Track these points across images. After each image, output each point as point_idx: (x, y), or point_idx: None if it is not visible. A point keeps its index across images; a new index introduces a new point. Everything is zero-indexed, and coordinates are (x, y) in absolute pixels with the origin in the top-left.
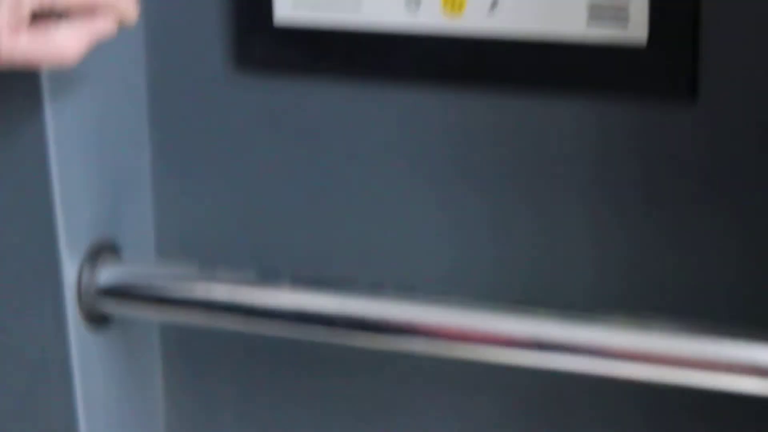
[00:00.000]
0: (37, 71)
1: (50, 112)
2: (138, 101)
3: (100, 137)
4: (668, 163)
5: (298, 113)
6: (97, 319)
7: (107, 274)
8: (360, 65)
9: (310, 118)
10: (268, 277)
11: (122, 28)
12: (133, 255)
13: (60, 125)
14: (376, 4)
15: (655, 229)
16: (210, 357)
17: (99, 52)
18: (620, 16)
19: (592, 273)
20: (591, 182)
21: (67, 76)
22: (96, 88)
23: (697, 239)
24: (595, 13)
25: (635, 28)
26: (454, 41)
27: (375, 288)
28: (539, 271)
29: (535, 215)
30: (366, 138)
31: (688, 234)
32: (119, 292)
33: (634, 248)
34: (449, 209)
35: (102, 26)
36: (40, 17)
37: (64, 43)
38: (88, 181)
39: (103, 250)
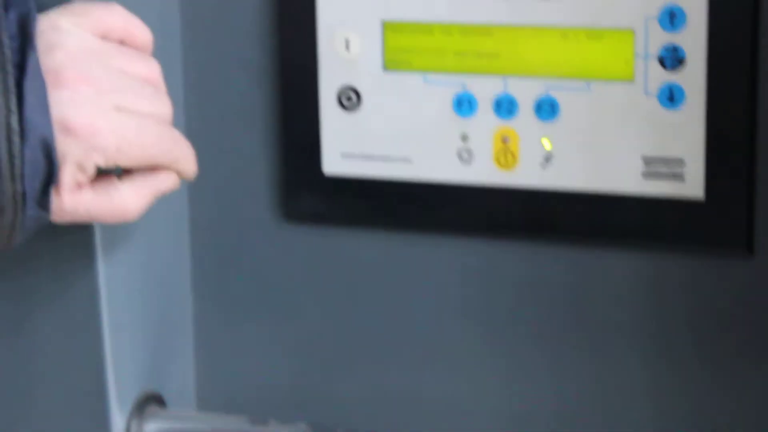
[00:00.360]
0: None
1: (102, 264)
2: (182, 251)
3: (146, 288)
4: (724, 317)
5: (347, 264)
6: None
7: (155, 426)
8: (410, 216)
9: (359, 269)
10: (321, 430)
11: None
12: (177, 405)
13: (111, 277)
14: (428, 157)
15: (711, 383)
16: None
17: None
18: (676, 172)
19: (649, 426)
20: (646, 335)
21: (117, 228)
22: (142, 240)
23: (753, 396)
24: (651, 170)
25: (691, 183)
26: (507, 193)
27: None
28: (594, 424)
29: (591, 367)
30: (415, 289)
31: (744, 390)
32: None
33: (689, 403)
34: (502, 361)
35: (164, 182)
36: (102, 171)
37: (127, 200)
38: (135, 332)
39: (149, 401)
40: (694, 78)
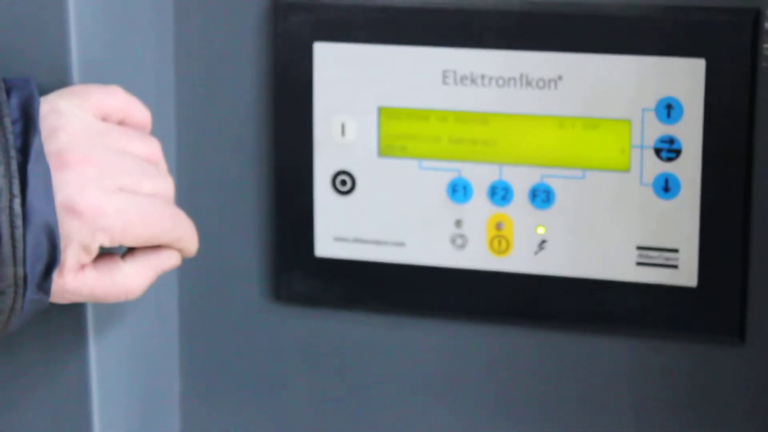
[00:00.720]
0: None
1: (93, 345)
2: (171, 331)
3: (134, 368)
4: (716, 405)
5: (338, 346)
6: None
7: None
8: (403, 299)
9: (350, 352)
10: None
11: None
12: None
13: (101, 358)
14: (421, 242)
15: None
16: None
17: None
18: (670, 261)
19: None
20: (638, 420)
21: (108, 307)
22: (132, 319)
23: None
24: (645, 258)
25: (685, 272)
26: (500, 277)
27: None
28: None
29: None
30: (407, 373)
31: None
32: None
33: None
34: None
35: (166, 261)
36: (105, 250)
37: (130, 280)
38: (123, 411)
39: None
40: (689, 168)
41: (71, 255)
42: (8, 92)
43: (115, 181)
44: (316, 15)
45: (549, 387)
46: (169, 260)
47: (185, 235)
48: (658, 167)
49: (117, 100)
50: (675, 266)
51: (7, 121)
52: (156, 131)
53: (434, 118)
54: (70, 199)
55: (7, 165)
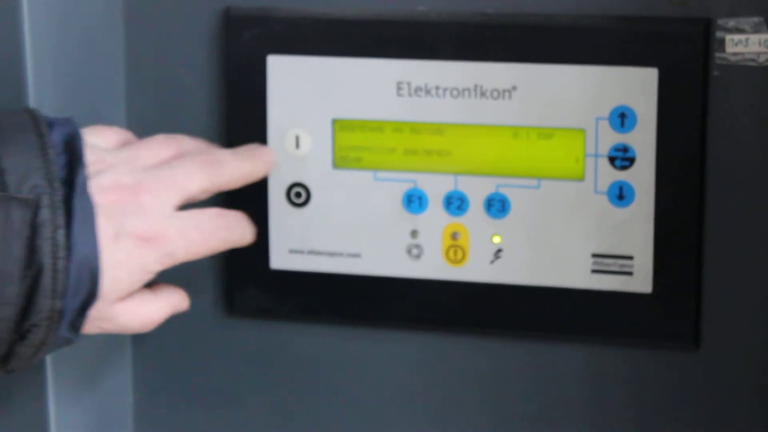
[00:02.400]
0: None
1: (48, 358)
2: (123, 345)
3: (87, 383)
4: (671, 410)
5: (293, 359)
6: None
7: None
8: (359, 310)
9: (306, 364)
10: None
11: None
12: None
13: (56, 372)
14: (377, 253)
15: None
16: None
17: None
18: (625, 268)
19: None
20: (593, 426)
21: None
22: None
23: None
24: (600, 266)
25: (640, 279)
26: (456, 287)
27: None
28: None
29: None
30: (363, 384)
31: None
32: None
33: None
34: None
35: (181, 302)
36: None
37: (153, 314)
38: (76, 426)
39: None
40: (643, 176)
41: (131, 282)
42: (50, 128)
43: (170, 202)
44: (269, 28)
45: (506, 395)
46: (183, 303)
47: (243, 235)
48: (612, 175)
49: (116, 129)
50: (630, 273)
51: (52, 153)
52: None
53: (389, 129)
54: (134, 229)
55: (52, 196)
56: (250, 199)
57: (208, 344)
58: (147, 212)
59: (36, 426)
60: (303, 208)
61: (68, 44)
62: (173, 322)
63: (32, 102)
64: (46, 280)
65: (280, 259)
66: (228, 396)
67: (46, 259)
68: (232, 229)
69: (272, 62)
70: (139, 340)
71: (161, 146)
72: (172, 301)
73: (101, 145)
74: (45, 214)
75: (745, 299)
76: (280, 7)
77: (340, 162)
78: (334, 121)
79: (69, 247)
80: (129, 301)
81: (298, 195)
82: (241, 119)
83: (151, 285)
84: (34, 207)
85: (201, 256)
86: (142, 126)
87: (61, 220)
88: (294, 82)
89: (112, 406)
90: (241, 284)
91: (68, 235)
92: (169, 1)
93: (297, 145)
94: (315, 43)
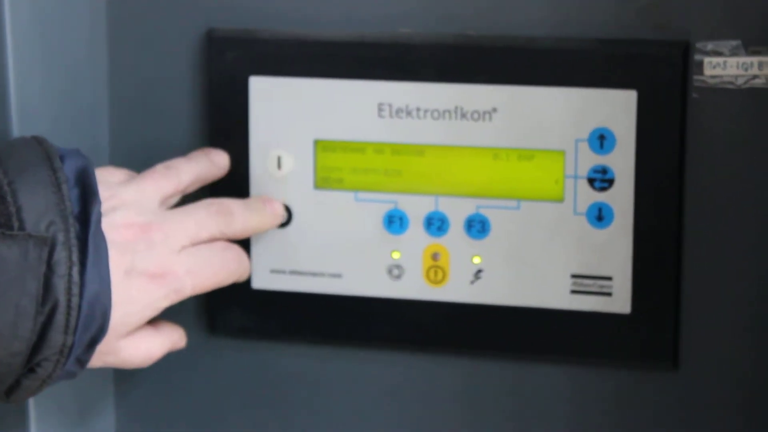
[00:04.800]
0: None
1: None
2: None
3: (69, 405)
4: (651, 429)
5: (275, 378)
6: None
7: None
8: (340, 330)
9: (287, 384)
10: None
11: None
12: None
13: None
14: (358, 273)
15: None
16: None
17: None
18: (604, 288)
19: None
20: None
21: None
22: None
23: None
24: (579, 286)
25: (619, 299)
26: (437, 307)
27: None
28: None
29: None
30: (345, 404)
31: None
32: None
33: None
34: None
35: (179, 341)
36: None
37: (152, 351)
38: None
39: None
40: (622, 198)
41: (140, 318)
42: (62, 160)
43: (179, 243)
44: (251, 49)
45: (486, 415)
46: (181, 342)
47: (246, 269)
48: (591, 197)
49: (116, 170)
50: (609, 294)
51: (65, 188)
52: None
53: (370, 150)
54: (144, 266)
55: (67, 233)
56: None
57: (189, 364)
58: (157, 249)
59: None
60: (285, 229)
61: (52, 65)
62: None
63: (16, 121)
64: (60, 317)
65: (261, 278)
66: (210, 415)
67: (61, 296)
68: (238, 263)
69: (254, 83)
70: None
71: (163, 178)
72: (172, 338)
73: (111, 180)
74: (61, 251)
75: (723, 319)
76: (262, 29)
77: (321, 182)
78: (316, 142)
79: (82, 284)
80: (132, 337)
81: None
82: (224, 140)
83: (151, 321)
84: (51, 245)
85: (208, 290)
86: (126, 146)
87: (76, 257)
88: (276, 103)
89: (94, 426)
90: (223, 304)
91: (82, 273)
92: (152, 22)
93: (279, 166)
94: (297, 64)
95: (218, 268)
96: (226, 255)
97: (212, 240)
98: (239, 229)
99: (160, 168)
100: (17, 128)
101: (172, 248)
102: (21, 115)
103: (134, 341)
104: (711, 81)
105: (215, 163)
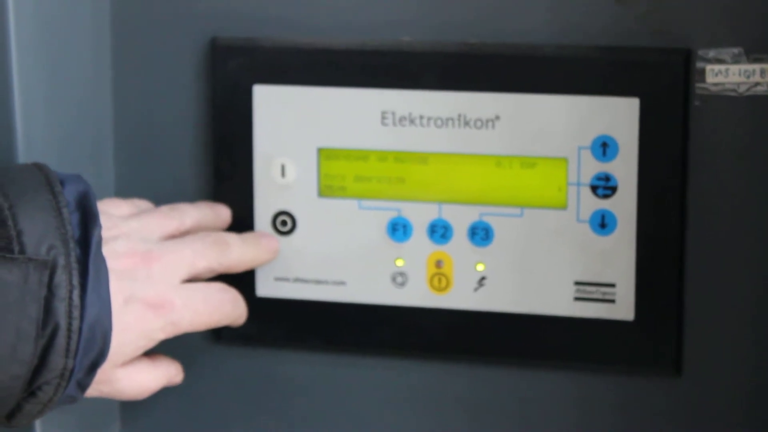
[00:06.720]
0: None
1: None
2: None
3: (74, 412)
4: None
5: (279, 386)
6: None
7: None
8: (344, 337)
9: (291, 391)
10: None
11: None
12: None
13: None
14: (362, 281)
15: None
16: None
17: None
18: (607, 295)
19: None
20: None
21: None
22: None
23: None
24: (582, 293)
25: (622, 306)
26: (441, 314)
27: None
28: None
29: None
30: (349, 411)
31: None
32: None
33: None
34: None
35: (175, 373)
36: None
37: (148, 384)
38: None
39: None
40: (625, 205)
41: (136, 347)
42: (62, 185)
43: (178, 274)
44: (255, 58)
45: (490, 421)
46: (177, 377)
47: (242, 313)
48: (594, 204)
49: (119, 200)
50: (612, 301)
51: (66, 212)
52: (94, 174)
53: (373, 158)
54: (143, 295)
55: (67, 256)
56: (236, 228)
57: (194, 371)
58: (156, 280)
59: None
60: (289, 236)
61: (56, 74)
62: (160, 349)
63: (21, 135)
64: (61, 340)
65: (266, 286)
66: (215, 423)
67: (62, 320)
68: (235, 305)
69: (258, 92)
70: None
71: (166, 218)
72: (169, 372)
73: (115, 212)
74: (61, 275)
75: (726, 325)
76: (265, 38)
77: (325, 190)
78: (320, 150)
79: (83, 307)
80: (129, 368)
81: (284, 223)
82: (228, 148)
83: (149, 354)
84: (51, 268)
85: (204, 329)
86: (130, 155)
87: (76, 280)
88: (280, 112)
89: None
90: None
91: (82, 296)
92: (156, 31)
93: (283, 174)
94: (301, 72)
95: (214, 308)
96: (223, 296)
97: (209, 270)
98: (235, 260)
99: (164, 208)
100: (18, 128)
101: (171, 280)
102: (25, 130)
103: (130, 372)
104: (713, 88)
105: (219, 215)
